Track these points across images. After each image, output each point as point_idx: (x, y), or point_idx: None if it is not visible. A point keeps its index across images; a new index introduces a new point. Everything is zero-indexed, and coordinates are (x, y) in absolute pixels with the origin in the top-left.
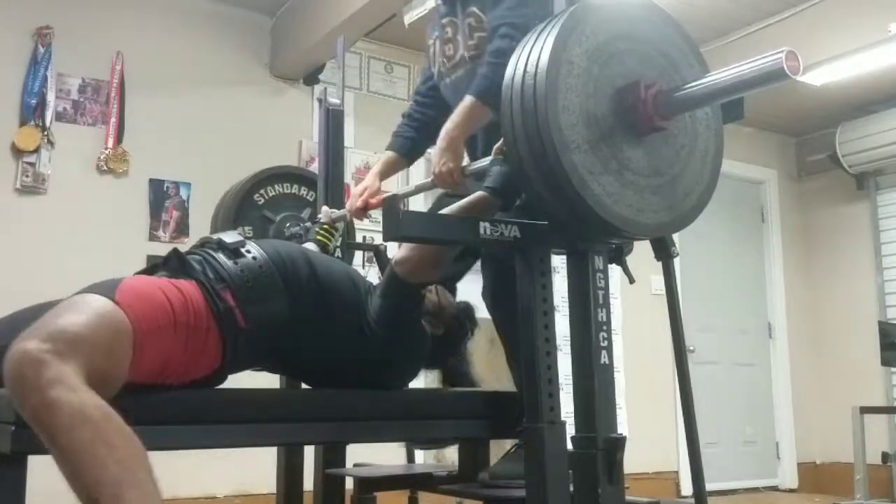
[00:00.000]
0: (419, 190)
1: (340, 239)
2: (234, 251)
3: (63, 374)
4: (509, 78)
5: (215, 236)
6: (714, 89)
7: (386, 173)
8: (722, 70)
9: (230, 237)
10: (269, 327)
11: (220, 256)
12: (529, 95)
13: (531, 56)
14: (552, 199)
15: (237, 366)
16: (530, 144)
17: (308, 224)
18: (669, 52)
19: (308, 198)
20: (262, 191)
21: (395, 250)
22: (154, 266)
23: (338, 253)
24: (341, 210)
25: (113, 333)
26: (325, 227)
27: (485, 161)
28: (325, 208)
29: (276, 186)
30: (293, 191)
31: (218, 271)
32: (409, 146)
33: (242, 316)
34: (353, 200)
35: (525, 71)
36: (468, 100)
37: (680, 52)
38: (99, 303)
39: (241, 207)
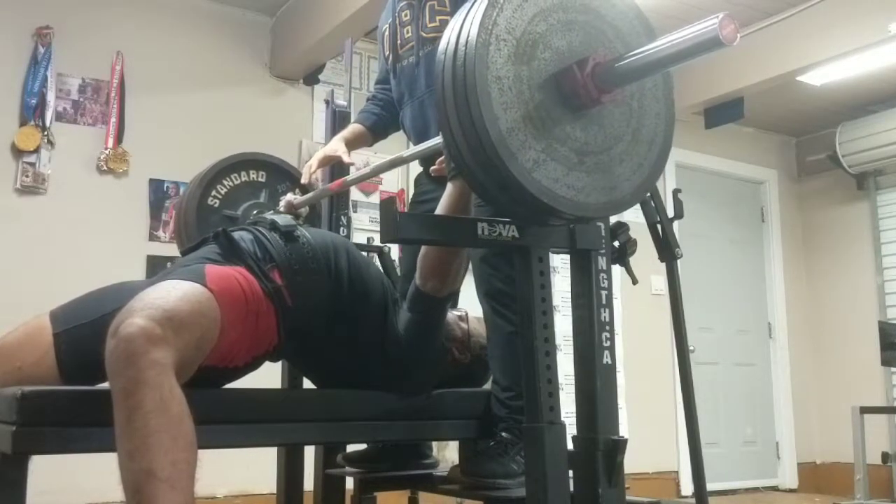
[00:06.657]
0: (376, 171)
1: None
2: (286, 234)
3: (163, 359)
4: (439, 92)
5: (268, 217)
6: (655, 59)
7: (350, 142)
8: (660, 39)
9: (283, 220)
10: (311, 311)
11: (274, 236)
12: (465, 115)
13: (456, 80)
14: (499, 195)
15: (288, 343)
16: (471, 149)
17: (271, 211)
18: (605, 14)
19: (260, 179)
20: (213, 192)
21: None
22: (203, 241)
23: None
24: (305, 196)
25: (208, 322)
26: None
27: (437, 140)
28: (288, 195)
29: (224, 182)
30: (243, 179)
31: (269, 250)
32: (373, 119)
33: (289, 295)
34: (315, 161)
35: (454, 91)
36: None
37: (620, 15)
38: (197, 290)
39: (201, 217)
